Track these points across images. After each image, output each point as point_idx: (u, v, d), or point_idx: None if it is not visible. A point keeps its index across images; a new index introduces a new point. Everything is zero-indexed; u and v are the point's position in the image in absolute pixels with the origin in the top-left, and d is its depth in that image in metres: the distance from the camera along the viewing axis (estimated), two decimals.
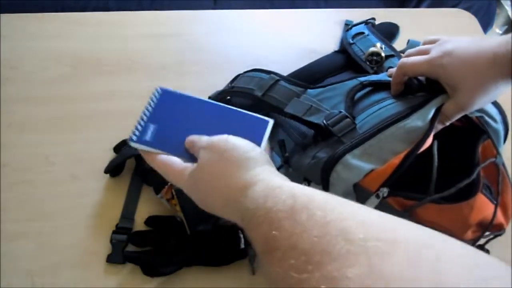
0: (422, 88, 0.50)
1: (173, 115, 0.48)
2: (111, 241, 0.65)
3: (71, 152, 0.73)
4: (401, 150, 0.45)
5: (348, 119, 0.49)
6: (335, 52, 0.72)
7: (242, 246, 0.64)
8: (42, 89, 0.80)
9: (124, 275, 0.63)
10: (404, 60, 0.50)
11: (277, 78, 0.57)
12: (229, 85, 0.62)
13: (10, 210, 0.67)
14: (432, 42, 0.51)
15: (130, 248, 0.65)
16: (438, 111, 0.47)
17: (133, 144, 0.47)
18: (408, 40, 0.69)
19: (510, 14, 1.76)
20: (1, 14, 0.88)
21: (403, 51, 0.69)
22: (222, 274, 0.65)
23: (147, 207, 0.69)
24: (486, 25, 1.34)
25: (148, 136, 0.47)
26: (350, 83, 0.54)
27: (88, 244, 0.66)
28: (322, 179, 0.46)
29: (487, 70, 0.44)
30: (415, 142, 0.45)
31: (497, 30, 1.74)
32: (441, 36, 0.51)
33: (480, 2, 1.34)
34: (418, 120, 0.46)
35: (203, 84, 0.78)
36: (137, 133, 0.47)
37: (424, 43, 0.53)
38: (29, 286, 0.62)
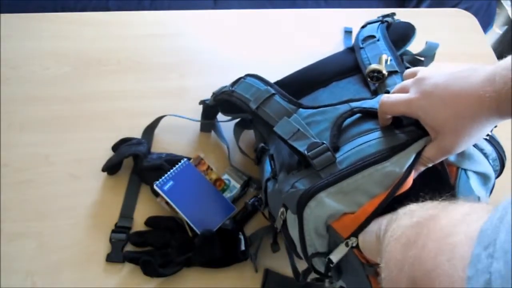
0: (412, 121, 0.48)
1: (184, 181, 0.67)
2: (110, 240, 0.65)
3: (71, 152, 0.73)
4: (376, 193, 0.44)
5: (329, 153, 0.48)
6: (348, 49, 0.70)
7: (243, 248, 0.65)
8: (42, 89, 0.80)
9: (124, 275, 0.64)
10: (384, 99, 0.48)
11: (273, 92, 0.57)
12: (230, 88, 0.62)
13: (10, 210, 0.67)
14: (413, 74, 0.48)
15: (130, 248, 0.65)
16: (418, 156, 0.45)
17: (156, 188, 0.65)
18: (426, 42, 0.68)
19: (510, 14, 1.76)
20: (1, 14, 0.88)
21: (419, 54, 0.68)
22: (222, 274, 0.65)
23: (146, 206, 0.69)
24: (486, 25, 1.34)
25: (166, 187, 0.66)
26: (341, 108, 0.53)
27: (88, 243, 0.66)
28: (297, 212, 0.46)
29: (471, 113, 0.41)
30: (390, 187, 0.44)
31: (497, 30, 1.74)
32: (419, 69, 0.48)
33: (480, 2, 1.34)
34: (396, 166, 0.45)
35: (203, 84, 0.78)
36: (161, 182, 0.66)
37: (405, 77, 0.51)
38: (29, 286, 0.62)
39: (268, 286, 0.64)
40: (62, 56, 0.84)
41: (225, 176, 0.71)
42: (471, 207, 0.31)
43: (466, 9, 1.05)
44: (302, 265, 0.58)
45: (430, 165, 0.46)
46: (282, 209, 0.51)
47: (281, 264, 0.65)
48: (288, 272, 0.64)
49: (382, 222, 0.39)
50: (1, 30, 0.85)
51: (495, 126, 0.47)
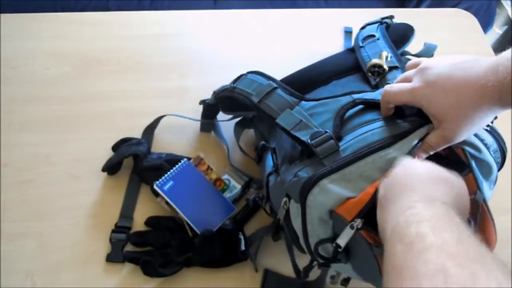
0: (414, 111, 0.49)
1: (184, 181, 0.67)
2: (110, 240, 0.65)
3: (71, 152, 0.73)
4: (378, 179, 0.44)
5: (332, 141, 0.48)
6: (348, 50, 0.71)
7: (243, 248, 0.65)
8: (42, 89, 0.80)
9: (124, 275, 0.64)
10: (387, 88, 0.49)
11: (275, 85, 0.57)
12: (232, 85, 0.63)
13: (10, 210, 0.67)
14: (416, 65, 0.49)
15: (130, 248, 0.65)
16: (420, 141, 0.46)
17: (156, 188, 0.65)
18: (425, 43, 0.68)
19: (510, 14, 1.76)
20: (1, 14, 0.88)
21: (417, 55, 0.68)
22: (222, 274, 0.65)
23: (146, 206, 0.69)
24: (486, 25, 1.34)
25: (166, 187, 0.65)
26: (343, 99, 0.54)
27: (88, 243, 0.66)
28: (300, 200, 0.46)
29: (473, 102, 0.42)
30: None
31: (497, 30, 1.74)
32: (422, 59, 0.49)
33: (480, 2, 1.34)
34: (399, 151, 0.45)
35: (203, 84, 0.78)
36: (161, 182, 0.65)
37: (408, 68, 0.52)
38: (29, 286, 0.62)
39: (268, 286, 0.64)
40: (62, 56, 0.84)
41: (225, 176, 0.71)
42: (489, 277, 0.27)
43: (466, 9, 1.05)
44: (302, 263, 0.59)
45: (432, 152, 0.47)
46: (285, 199, 0.51)
47: (281, 264, 0.65)
48: (288, 272, 0.64)
49: (386, 221, 0.38)
50: (1, 30, 0.85)
51: (495, 118, 0.48)
